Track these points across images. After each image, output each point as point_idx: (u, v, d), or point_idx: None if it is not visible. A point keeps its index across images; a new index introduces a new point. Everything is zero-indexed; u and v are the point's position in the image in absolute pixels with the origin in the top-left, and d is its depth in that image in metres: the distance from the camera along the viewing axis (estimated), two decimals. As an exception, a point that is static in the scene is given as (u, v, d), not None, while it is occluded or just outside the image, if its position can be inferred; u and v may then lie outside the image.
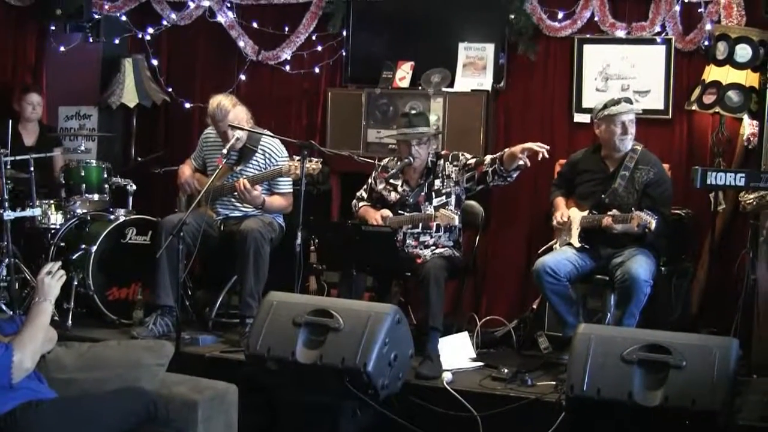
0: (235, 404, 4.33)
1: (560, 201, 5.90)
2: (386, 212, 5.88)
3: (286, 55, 7.60)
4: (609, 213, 5.46)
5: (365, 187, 6.16)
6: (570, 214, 5.74)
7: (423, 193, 5.88)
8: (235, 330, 6.13)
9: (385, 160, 6.14)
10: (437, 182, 5.88)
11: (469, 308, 6.30)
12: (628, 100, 5.68)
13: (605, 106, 5.63)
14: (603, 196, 5.60)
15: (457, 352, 5.61)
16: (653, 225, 5.25)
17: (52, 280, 3.85)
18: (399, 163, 5.92)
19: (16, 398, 3.54)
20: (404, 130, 5.86)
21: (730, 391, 4.16)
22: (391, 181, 5.98)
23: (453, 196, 5.86)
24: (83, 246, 6.43)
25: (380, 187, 6.03)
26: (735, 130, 6.35)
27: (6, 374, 3.55)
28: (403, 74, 7.08)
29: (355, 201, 6.19)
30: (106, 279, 6.43)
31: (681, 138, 6.62)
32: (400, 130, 5.90)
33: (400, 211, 5.88)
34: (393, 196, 5.96)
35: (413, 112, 6.03)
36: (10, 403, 3.51)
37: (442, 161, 5.90)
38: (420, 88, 6.93)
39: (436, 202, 5.82)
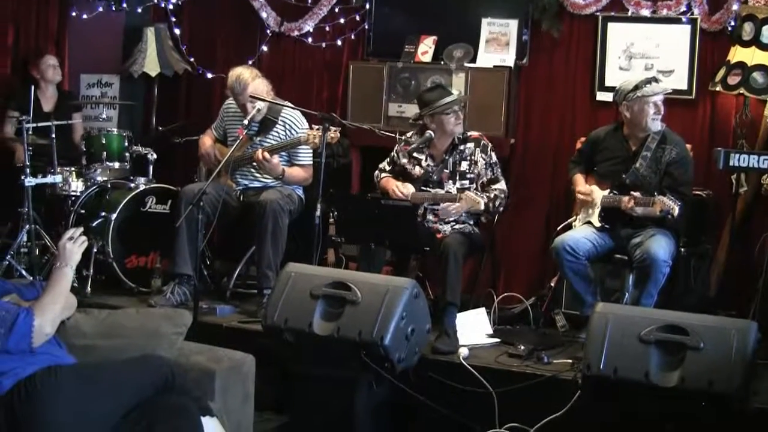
0: (252, 374, 4.35)
1: (579, 177, 5.88)
2: (410, 187, 5.86)
3: (309, 27, 7.58)
4: (632, 194, 5.42)
5: (388, 159, 6.15)
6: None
7: (447, 170, 5.86)
8: (252, 301, 6.16)
9: (409, 134, 6.11)
10: (464, 164, 5.85)
11: (487, 285, 6.29)
12: (656, 80, 5.62)
13: (637, 87, 5.54)
14: (624, 176, 5.57)
15: (473, 328, 5.61)
16: (676, 211, 5.20)
17: (74, 245, 3.87)
18: (421, 137, 5.90)
19: (36, 363, 3.56)
20: (447, 99, 5.77)
21: (748, 374, 4.15)
22: (416, 155, 5.96)
23: (474, 184, 5.84)
24: (103, 214, 6.45)
25: (404, 161, 6.01)
26: (759, 112, 6.30)
27: (26, 339, 3.57)
28: (426, 49, 7.05)
29: (377, 172, 6.17)
30: (125, 247, 6.45)
31: (704, 119, 6.58)
32: (445, 100, 5.78)
33: (423, 188, 5.86)
34: (417, 170, 5.94)
35: (440, 84, 5.99)
36: (30, 368, 3.52)
37: (471, 145, 5.86)
38: (442, 62, 6.90)
39: (459, 184, 5.80)
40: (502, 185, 5.82)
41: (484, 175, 5.84)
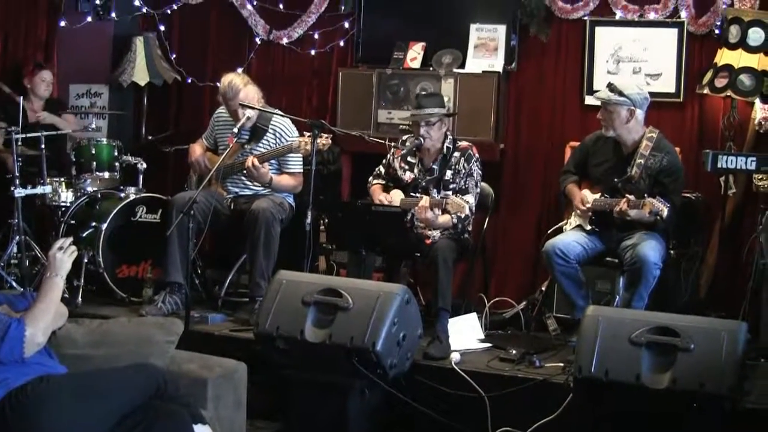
0: (244, 382, 4.36)
1: (573, 188, 5.82)
2: (397, 195, 5.87)
3: (298, 34, 7.59)
4: (627, 196, 5.39)
5: (384, 161, 6.16)
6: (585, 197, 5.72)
7: (432, 178, 5.87)
8: (244, 309, 6.17)
9: (405, 137, 6.12)
10: (449, 173, 5.85)
11: (478, 289, 6.31)
12: (612, 88, 5.56)
13: None
14: (616, 180, 5.57)
15: (465, 333, 5.62)
16: (665, 213, 5.20)
17: (64, 255, 3.87)
18: (412, 142, 5.92)
19: (27, 373, 3.56)
20: (414, 111, 5.86)
21: (739, 375, 4.18)
22: (409, 159, 5.98)
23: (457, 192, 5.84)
24: (93, 224, 6.47)
25: (396, 164, 6.03)
26: (747, 114, 6.33)
27: (18, 348, 3.58)
28: (415, 55, 7.06)
29: (371, 177, 6.19)
30: (115, 257, 6.45)
31: (692, 121, 6.60)
32: (412, 111, 5.90)
33: (412, 194, 5.88)
34: (408, 176, 5.95)
35: (424, 93, 6.02)
36: (22, 378, 3.53)
37: (458, 154, 5.87)
38: (431, 68, 6.92)
39: (442, 193, 5.78)
40: (469, 198, 5.76)
41: (457, 184, 5.85)
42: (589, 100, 6.70)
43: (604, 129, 5.62)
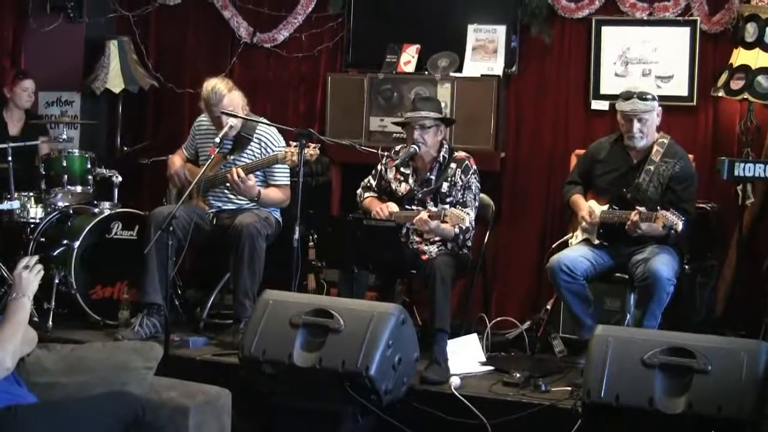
0: (228, 410, 4.33)
1: (578, 199, 5.83)
2: (393, 206, 5.86)
3: (283, 37, 7.59)
4: (637, 208, 5.38)
5: (373, 173, 6.15)
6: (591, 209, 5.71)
7: (428, 190, 5.86)
8: (228, 331, 6.13)
9: (398, 147, 6.11)
10: (445, 185, 5.85)
11: (479, 308, 6.29)
12: (643, 96, 5.58)
13: (620, 98, 5.63)
14: (625, 190, 5.57)
15: (465, 355, 5.61)
16: (680, 227, 5.20)
17: (30, 274, 3.85)
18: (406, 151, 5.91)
19: (-6, 403, 3.55)
20: (409, 113, 5.85)
21: (759, 398, 4.16)
22: (402, 170, 5.97)
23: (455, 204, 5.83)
24: (65, 241, 6.44)
25: (390, 175, 6.02)
26: (765, 118, 6.34)
27: (-16, 375, 3.56)
28: (408, 58, 7.06)
29: (360, 190, 6.18)
30: (89, 277, 6.42)
31: (706, 126, 6.61)
32: (405, 114, 5.90)
33: (407, 206, 5.87)
34: (403, 187, 5.95)
35: (421, 96, 6.02)
36: (-13, 408, 3.51)
37: (454, 165, 5.87)
38: (426, 73, 6.92)
39: (439, 206, 5.77)
40: (468, 212, 5.72)
41: (455, 197, 5.84)
42: (596, 105, 6.73)
43: (637, 140, 5.57)
